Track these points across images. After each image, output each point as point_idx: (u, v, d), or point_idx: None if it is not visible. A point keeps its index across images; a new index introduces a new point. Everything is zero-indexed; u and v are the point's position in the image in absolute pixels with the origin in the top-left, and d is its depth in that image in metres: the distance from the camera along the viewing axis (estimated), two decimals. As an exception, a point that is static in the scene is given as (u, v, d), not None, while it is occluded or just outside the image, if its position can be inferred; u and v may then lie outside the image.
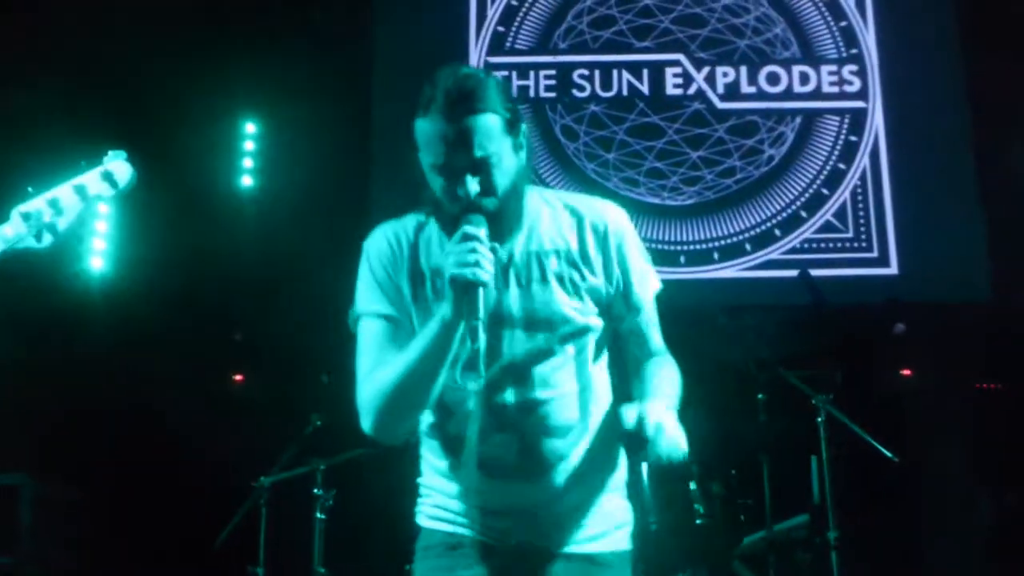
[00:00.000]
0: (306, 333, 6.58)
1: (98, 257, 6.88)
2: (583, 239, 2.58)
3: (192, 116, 6.99)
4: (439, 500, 2.62)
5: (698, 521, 4.86)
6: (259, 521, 5.49)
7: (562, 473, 2.53)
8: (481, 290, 2.33)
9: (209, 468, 6.07)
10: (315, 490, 5.47)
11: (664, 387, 2.59)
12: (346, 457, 5.52)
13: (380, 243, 2.62)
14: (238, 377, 7.13)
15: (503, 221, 2.48)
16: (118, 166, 2.72)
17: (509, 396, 2.51)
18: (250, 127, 7.26)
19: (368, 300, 2.58)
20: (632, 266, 2.61)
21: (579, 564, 2.54)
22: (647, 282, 2.65)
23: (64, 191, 2.66)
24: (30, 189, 2.66)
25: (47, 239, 2.60)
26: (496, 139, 2.41)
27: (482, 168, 2.40)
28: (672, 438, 2.38)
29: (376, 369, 2.50)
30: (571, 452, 2.54)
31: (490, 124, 2.40)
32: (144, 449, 6.26)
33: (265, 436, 5.94)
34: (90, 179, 2.69)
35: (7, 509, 5.42)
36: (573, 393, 2.55)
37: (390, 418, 2.50)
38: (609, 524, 2.61)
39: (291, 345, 6.72)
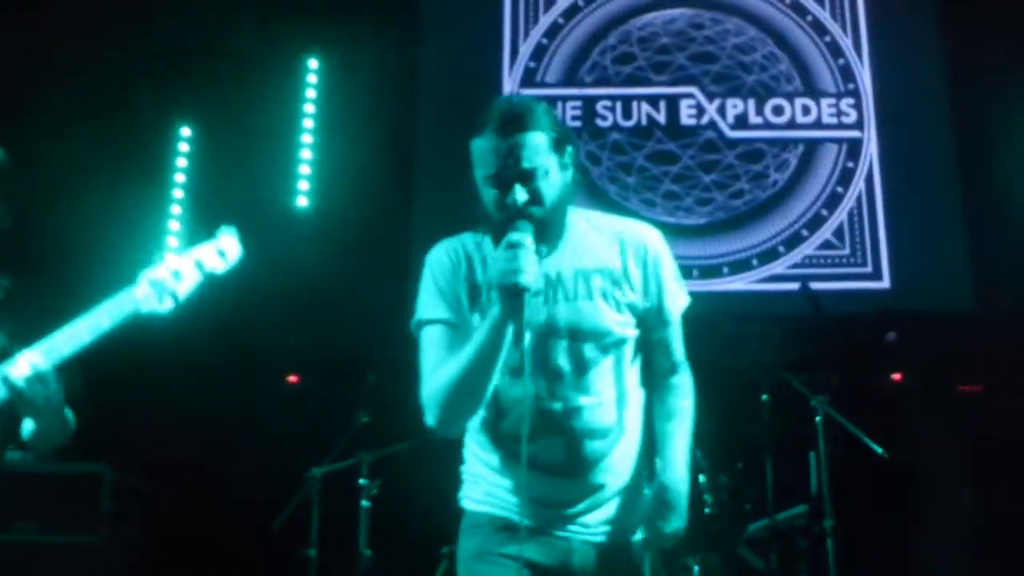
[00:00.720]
0: (354, 338, 6.87)
1: (172, 268, 7.03)
2: (625, 259, 2.71)
3: (253, 150, 7.21)
4: (487, 488, 2.73)
5: (707, 510, 5.05)
6: (311, 508, 5.63)
7: (602, 471, 2.67)
8: (526, 294, 2.44)
9: (267, 459, 6.21)
10: (361, 480, 5.65)
11: (678, 446, 2.75)
12: (390, 451, 5.72)
13: (440, 256, 2.76)
14: (292, 378, 7.23)
15: (549, 231, 2.61)
16: (229, 242, 3.00)
17: (557, 401, 2.62)
18: (306, 153, 7.40)
19: (429, 307, 2.70)
20: (667, 285, 2.74)
21: (615, 553, 2.69)
22: (678, 299, 2.77)
23: (185, 263, 2.92)
24: (155, 253, 2.93)
25: (168, 304, 2.87)
26: (543, 154, 2.57)
27: (530, 178, 2.55)
28: (671, 533, 2.63)
29: (437, 369, 2.62)
30: (610, 451, 2.67)
31: (537, 141, 2.56)
32: (208, 442, 6.36)
33: (317, 431, 6.08)
34: (206, 254, 2.96)
35: (91, 494, 5.52)
36: (612, 399, 2.68)
37: (450, 413, 2.61)
38: (640, 517, 2.73)
39: (340, 349, 6.92)
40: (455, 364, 2.57)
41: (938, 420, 6.55)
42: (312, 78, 7.50)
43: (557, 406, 2.63)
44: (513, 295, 2.46)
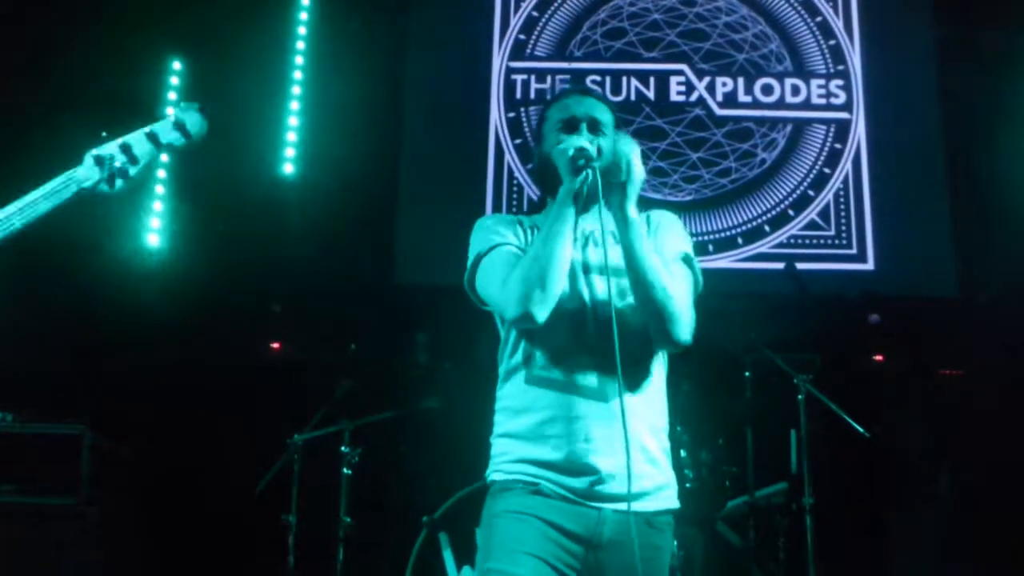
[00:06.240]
0: (337, 307, 6.92)
1: (154, 234, 7.04)
2: (648, 221, 2.93)
3: (239, 116, 6.92)
4: (517, 456, 2.78)
5: (687, 485, 5.00)
6: (292, 474, 5.66)
7: (633, 426, 2.68)
8: (591, 163, 2.72)
9: (248, 426, 6.26)
10: (342, 448, 5.67)
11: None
12: (371, 419, 5.77)
13: (494, 216, 3.06)
14: (275, 345, 7.25)
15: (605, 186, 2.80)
16: (191, 116, 2.75)
17: (592, 358, 2.75)
18: (293, 120, 7.35)
19: (493, 238, 2.90)
20: (663, 236, 2.90)
21: (639, 523, 2.67)
22: (673, 243, 2.91)
23: (136, 137, 2.67)
24: (104, 134, 2.66)
25: (118, 184, 2.62)
26: (607, 123, 2.93)
27: (595, 129, 2.88)
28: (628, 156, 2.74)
29: (515, 266, 2.77)
30: (637, 397, 2.76)
31: (605, 112, 2.95)
32: (191, 408, 6.41)
33: (298, 399, 6.11)
34: (162, 127, 2.71)
35: (69, 456, 5.43)
36: (638, 353, 2.77)
37: (536, 285, 2.68)
38: (664, 482, 2.79)
39: (324, 317, 6.95)
40: (535, 244, 2.76)
41: (917, 402, 6.70)
42: (300, 44, 7.56)
43: (600, 326, 2.75)
44: (580, 167, 2.72)
